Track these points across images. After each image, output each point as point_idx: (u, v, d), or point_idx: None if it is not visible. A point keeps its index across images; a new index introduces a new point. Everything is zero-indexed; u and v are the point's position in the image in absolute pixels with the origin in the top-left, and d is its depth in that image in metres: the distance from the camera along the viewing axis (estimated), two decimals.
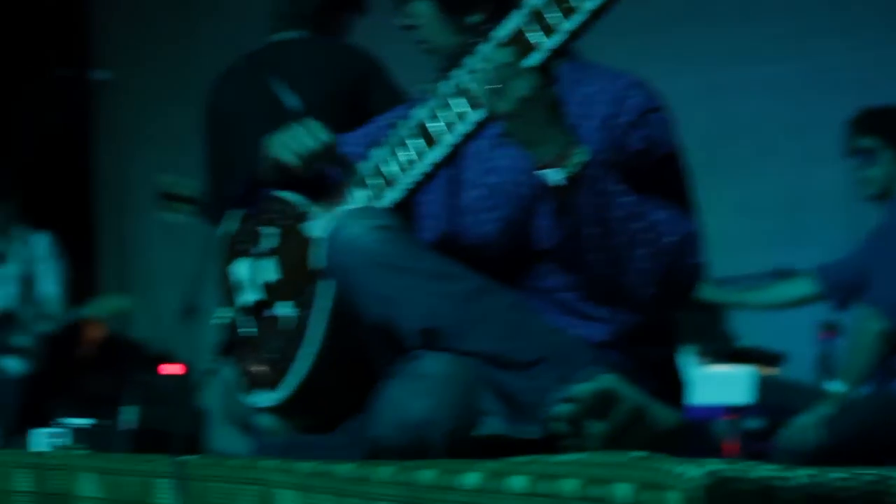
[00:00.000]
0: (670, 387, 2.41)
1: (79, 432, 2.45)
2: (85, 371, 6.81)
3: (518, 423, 2.12)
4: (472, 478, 1.84)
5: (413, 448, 2.12)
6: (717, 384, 4.87)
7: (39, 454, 2.46)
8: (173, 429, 2.32)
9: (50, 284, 6.36)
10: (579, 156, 2.16)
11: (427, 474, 1.89)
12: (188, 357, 6.14)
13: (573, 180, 2.15)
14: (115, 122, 8.21)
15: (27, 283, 6.27)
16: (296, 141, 2.56)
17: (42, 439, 2.46)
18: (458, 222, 2.49)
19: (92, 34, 8.26)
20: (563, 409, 2.01)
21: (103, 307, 6.53)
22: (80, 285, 7.04)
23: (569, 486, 1.74)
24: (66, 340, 6.43)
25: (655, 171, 2.32)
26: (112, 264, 8.13)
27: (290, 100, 4.05)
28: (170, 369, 6.44)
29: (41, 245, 6.38)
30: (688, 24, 6.40)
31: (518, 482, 1.79)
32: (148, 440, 2.39)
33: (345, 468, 2.00)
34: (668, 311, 2.35)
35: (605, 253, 2.18)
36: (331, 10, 4.27)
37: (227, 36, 7.36)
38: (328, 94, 4.00)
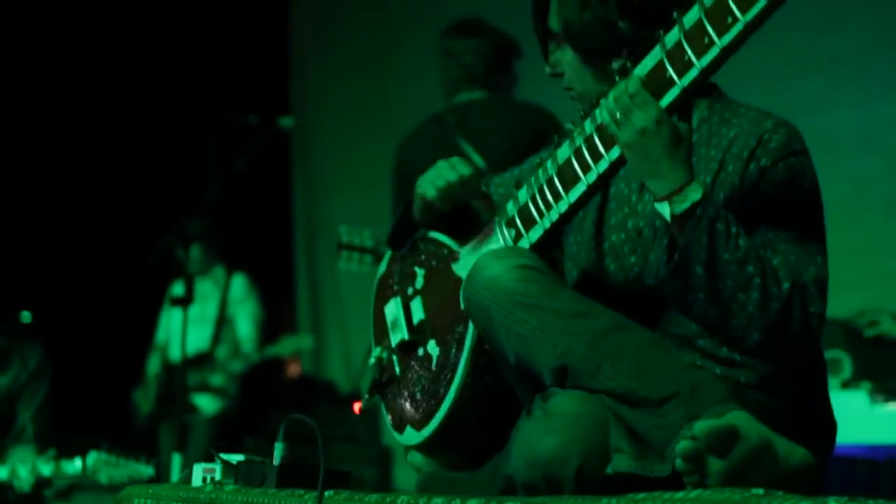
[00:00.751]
0: (815, 426, 2.37)
1: (231, 467, 2.53)
2: (277, 409, 6.98)
3: (647, 461, 2.12)
4: None
5: (544, 484, 2.16)
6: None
7: (192, 488, 2.56)
8: (335, 465, 2.37)
9: (245, 325, 6.54)
10: (693, 194, 2.16)
11: None
12: None
13: (683, 217, 2.16)
14: (308, 167, 8.44)
15: (223, 323, 6.45)
16: (437, 175, 2.65)
17: (198, 474, 2.56)
18: (601, 264, 2.52)
19: (287, 81, 8.53)
20: (683, 446, 2.01)
21: (287, 346, 6.68)
22: (281, 326, 7.24)
23: None
24: (259, 379, 6.59)
25: (789, 213, 2.30)
26: (307, 305, 8.32)
27: (475, 158, 4.17)
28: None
29: (237, 286, 6.57)
30: (880, 53, 6.26)
31: None
32: (297, 475, 2.44)
33: (473, 503, 2.03)
34: (775, 358, 2.28)
35: (709, 294, 2.17)
36: (498, 68, 4.41)
37: (417, 82, 7.53)
38: (510, 150, 4.11)
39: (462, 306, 2.49)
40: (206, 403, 6.31)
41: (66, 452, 4.06)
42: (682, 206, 2.16)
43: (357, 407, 2.71)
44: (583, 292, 2.47)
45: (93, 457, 3.81)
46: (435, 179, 2.67)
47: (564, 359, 2.24)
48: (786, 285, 2.18)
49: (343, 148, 8.14)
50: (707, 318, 2.23)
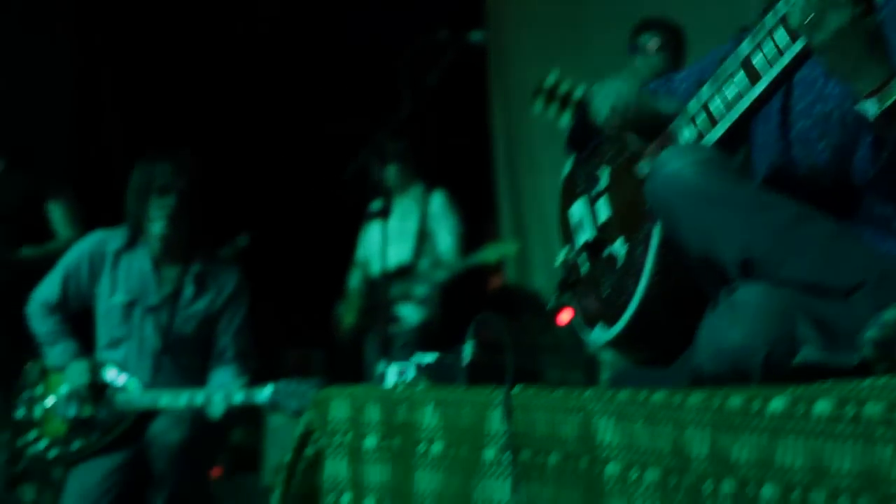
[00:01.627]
0: None
1: (423, 367, 2.60)
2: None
3: (834, 351, 2.09)
4: (777, 402, 1.85)
5: (730, 376, 2.15)
6: None
7: (386, 388, 2.64)
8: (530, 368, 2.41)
9: (445, 239, 6.58)
10: None
11: (735, 400, 1.91)
12: None
13: (889, 113, 2.10)
14: (505, 83, 8.43)
15: (424, 238, 6.54)
16: (611, 94, 2.64)
17: (392, 375, 2.63)
18: (789, 153, 2.48)
19: None
20: (872, 333, 1.97)
21: (492, 253, 6.69)
22: (483, 240, 7.28)
23: (872, 409, 1.72)
24: (462, 289, 6.64)
25: None
26: (510, 219, 8.34)
27: None
28: (564, 317, 6.55)
29: (437, 203, 6.63)
30: None
31: (822, 406, 1.79)
32: (486, 374, 2.49)
33: (658, 396, 2.04)
34: None
35: None
36: None
37: (611, 4, 7.43)
38: None
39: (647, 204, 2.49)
40: (410, 313, 6.42)
41: (273, 368, 4.15)
42: (888, 101, 2.09)
43: (564, 316, 2.75)
44: (772, 182, 2.45)
45: (281, 386, 3.93)
46: (608, 98, 2.68)
47: (748, 252, 2.22)
48: None
49: (540, 63, 8.06)
50: None
